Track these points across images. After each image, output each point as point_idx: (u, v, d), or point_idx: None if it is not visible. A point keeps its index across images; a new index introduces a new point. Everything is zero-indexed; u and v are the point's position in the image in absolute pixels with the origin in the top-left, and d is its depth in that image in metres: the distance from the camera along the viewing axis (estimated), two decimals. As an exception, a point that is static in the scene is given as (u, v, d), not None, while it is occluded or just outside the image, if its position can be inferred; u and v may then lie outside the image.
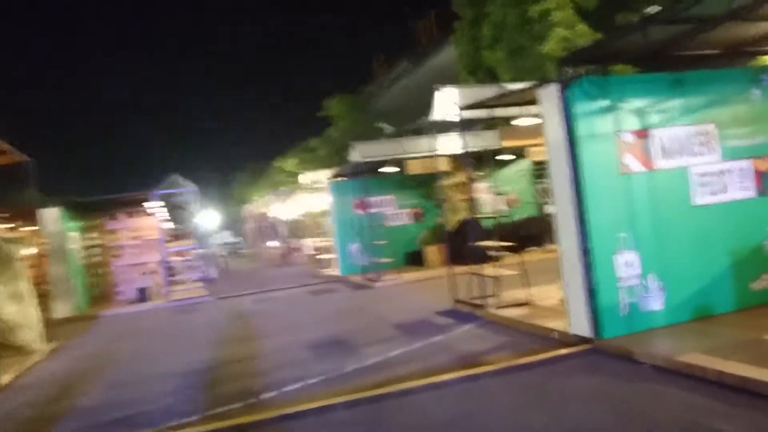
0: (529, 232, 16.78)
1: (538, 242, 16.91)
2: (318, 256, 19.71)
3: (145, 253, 18.35)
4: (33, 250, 17.01)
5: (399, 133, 25.40)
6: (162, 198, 16.94)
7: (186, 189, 16.47)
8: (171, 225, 30.07)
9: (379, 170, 15.83)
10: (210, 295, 16.08)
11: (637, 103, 6.44)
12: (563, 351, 6.24)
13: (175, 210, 27.54)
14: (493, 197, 17.60)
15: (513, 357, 6.38)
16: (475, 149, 15.29)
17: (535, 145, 12.80)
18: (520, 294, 8.99)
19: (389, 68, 42.82)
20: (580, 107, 6.22)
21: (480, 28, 21.89)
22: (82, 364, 9.13)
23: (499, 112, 9.29)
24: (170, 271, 18.79)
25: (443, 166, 14.58)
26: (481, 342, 7.26)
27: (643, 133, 6.43)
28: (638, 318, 6.33)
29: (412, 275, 14.50)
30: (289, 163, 44.04)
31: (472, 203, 16.61)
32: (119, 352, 9.83)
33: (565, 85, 6.24)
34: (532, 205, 18.52)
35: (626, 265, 6.31)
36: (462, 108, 8.72)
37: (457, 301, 9.71)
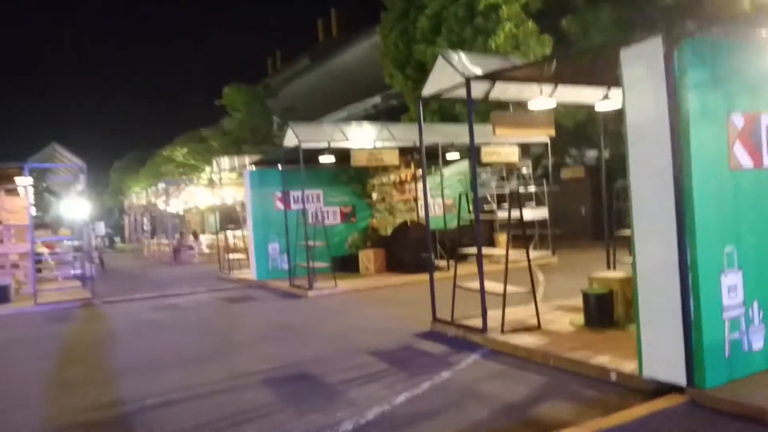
0: (469, 242, 15.33)
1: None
2: (226, 256, 17.02)
3: (5, 242, 14.71)
4: None
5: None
6: (37, 173, 13.56)
7: (69, 164, 13.21)
8: (37, 209, 25.66)
9: (318, 159, 13.55)
10: (91, 298, 12.97)
11: (752, 75, 4.93)
12: (658, 405, 4.55)
13: (46, 193, 23.37)
14: (431, 200, 15.95)
15: (591, 414, 4.59)
16: (436, 142, 13.62)
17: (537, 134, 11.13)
18: (508, 313, 7.30)
19: (289, 64, 40.49)
20: (692, 76, 4.59)
21: (412, 21, 20.37)
22: None
23: (512, 91, 7.59)
24: (37, 266, 15.26)
25: (390, 159, 12.69)
26: (514, 384, 5.43)
27: (754, 117, 4.94)
28: (739, 360, 4.80)
29: (348, 283, 12.44)
30: (179, 152, 40.33)
31: (414, 204, 14.91)
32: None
33: (675, 43, 4.59)
34: (465, 211, 17.12)
35: (729, 289, 4.77)
36: (472, 78, 6.88)
37: (438, 321, 7.84)
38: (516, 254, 7.30)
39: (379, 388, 5.50)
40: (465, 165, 17.12)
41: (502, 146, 14.41)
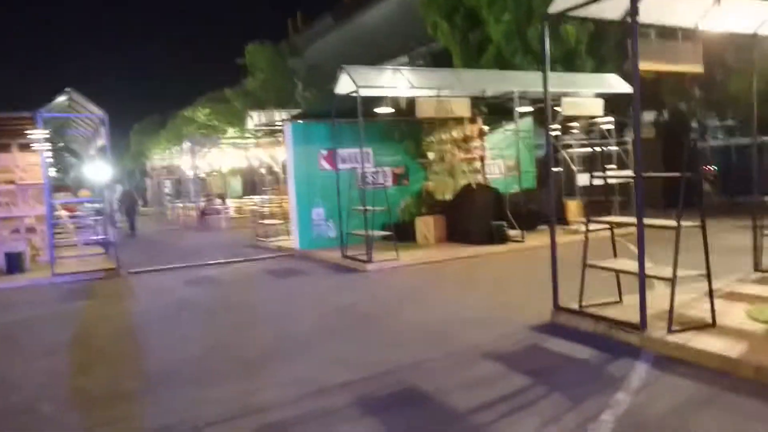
0: (541, 209, 13.43)
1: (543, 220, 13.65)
2: (260, 221, 15.34)
3: (19, 204, 13.13)
4: None
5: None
6: (54, 128, 11.86)
7: (88, 114, 11.48)
8: (56, 170, 24.19)
9: (364, 112, 11.66)
10: (114, 269, 11.38)
11: None
12: None
13: (65, 153, 21.83)
14: (490, 162, 14.03)
15: None
16: (509, 90, 11.61)
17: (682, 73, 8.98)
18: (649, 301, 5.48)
19: (311, 24, 38.16)
20: None
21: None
22: None
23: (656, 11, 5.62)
24: (55, 230, 13.71)
25: (461, 110, 10.76)
26: (746, 421, 3.64)
27: None
28: None
29: (408, 255, 10.67)
30: (201, 113, 38.77)
31: (481, 165, 13.01)
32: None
33: None
34: (531, 174, 15.15)
35: None
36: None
37: (562, 310, 6.03)
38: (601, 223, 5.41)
39: (540, 424, 3.73)
40: (529, 122, 15.12)
41: (584, 98, 12.42)
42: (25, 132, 12.03)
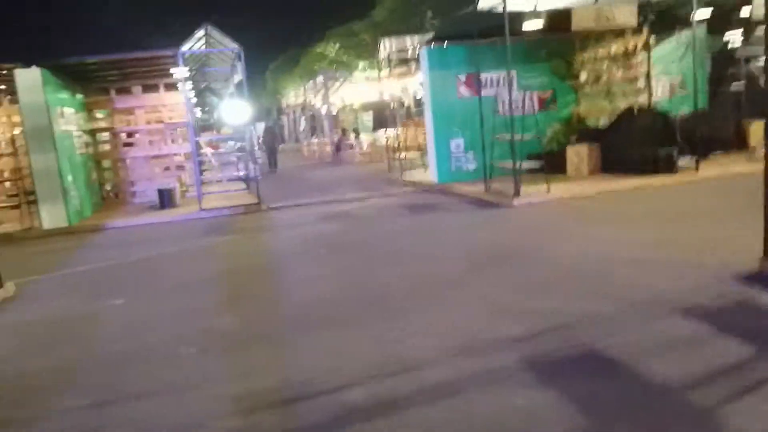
0: (715, 133, 11.52)
1: (725, 146, 11.72)
2: (394, 155, 14.83)
3: (168, 142, 13.68)
4: None
5: None
6: (194, 67, 11.95)
7: (225, 48, 11.39)
8: (200, 110, 25.31)
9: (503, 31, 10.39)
10: (256, 203, 11.46)
11: None
12: None
13: (207, 92, 22.62)
14: (656, 79, 12.17)
15: None
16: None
17: None
18: None
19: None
20: None
21: None
22: (27, 356, 4.66)
23: None
24: (201, 167, 14.18)
25: (625, 19, 9.20)
26: None
27: None
28: None
29: (558, 189, 9.59)
30: (331, 48, 38.71)
31: (643, 85, 11.34)
32: (112, 329, 5.35)
33: None
34: (703, 94, 13.04)
35: None
36: None
37: (774, 258, 4.82)
38: None
39: (782, 409, 2.80)
40: (703, 30, 12.89)
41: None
42: (169, 71, 12.27)
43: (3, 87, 12.23)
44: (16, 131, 11.19)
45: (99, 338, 4.85)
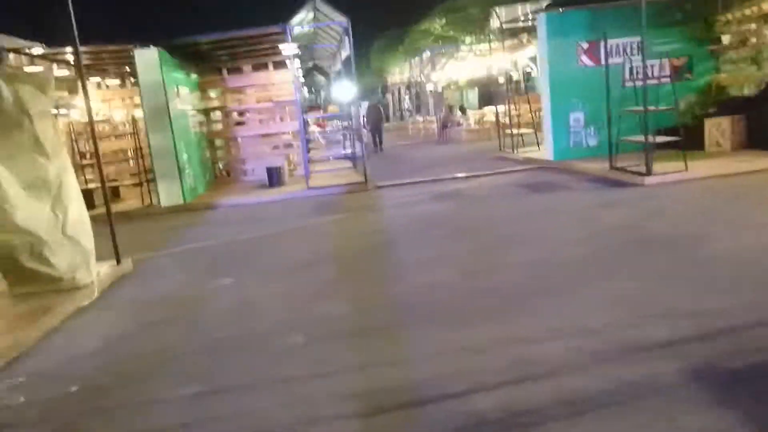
0: None
1: None
2: (505, 131, 14.04)
3: (276, 121, 13.75)
4: (118, 114, 12.92)
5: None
6: (300, 39, 11.82)
7: (333, 21, 11.14)
8: (308, 90, 25.61)
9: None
10: (363, 182, 11.21)
11: None
12: None
13: (315, 71, 22.77)
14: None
15: None
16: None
17: None
18: None
19: None
20: None
21: None
22: (145, 338, 4.61)
23: None
24: (308, 146, 14.17)
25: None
26: None
27: None
28: None
29: (699, 167, 8.51)
30: (437, 24, 37.82)
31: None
32: (220, 312, 5.23)
33: None
34: None
35: None
36: None
37: None
38: None
39: None
40: None
41: None
42: (278, 48, 12.24)
43: (127, 69, 12.79)
44: (137, 113, 11.64)
45: (206, 321, 4.73)
